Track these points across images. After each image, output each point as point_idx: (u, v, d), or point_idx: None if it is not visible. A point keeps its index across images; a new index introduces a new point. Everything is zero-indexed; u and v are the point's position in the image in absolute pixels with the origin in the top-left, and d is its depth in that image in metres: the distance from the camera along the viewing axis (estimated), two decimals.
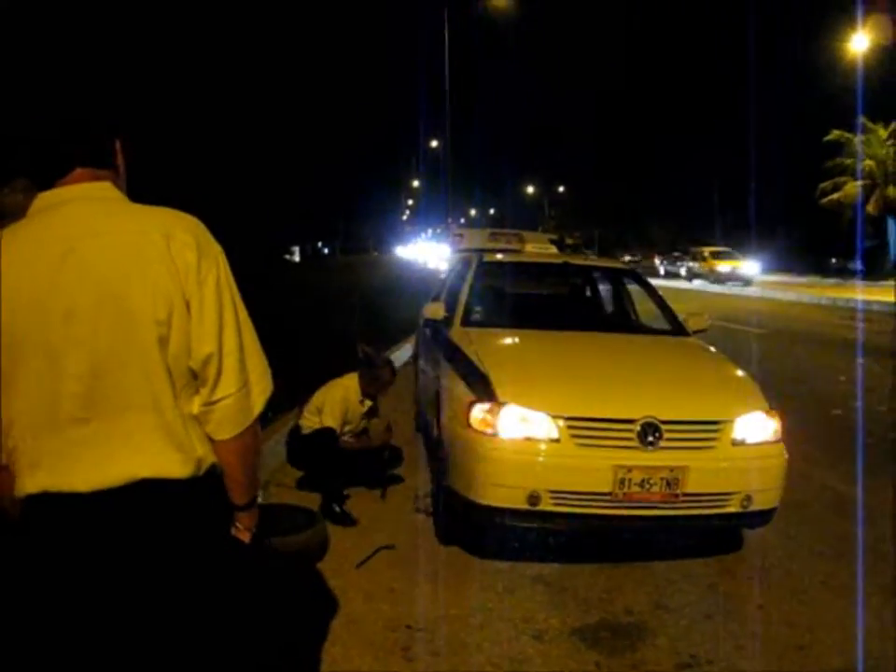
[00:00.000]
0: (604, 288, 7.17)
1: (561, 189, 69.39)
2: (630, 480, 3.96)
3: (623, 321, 6.38)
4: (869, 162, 36.37)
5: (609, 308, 6.85)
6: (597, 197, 55.89)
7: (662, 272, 41.21)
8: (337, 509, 4.93)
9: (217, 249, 1.75)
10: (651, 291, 6.44)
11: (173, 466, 1.67)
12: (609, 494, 3.98)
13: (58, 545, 1.66)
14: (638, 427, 4.04)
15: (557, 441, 4.05)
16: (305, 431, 5.28)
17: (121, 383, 1.64)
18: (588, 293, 6.97)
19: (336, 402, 5.26)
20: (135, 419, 1.65)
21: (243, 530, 1.85)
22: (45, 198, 1.72)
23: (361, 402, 5.40)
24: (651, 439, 4.02)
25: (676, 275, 38.67)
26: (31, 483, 1.66)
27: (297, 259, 62.18)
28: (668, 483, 3.99)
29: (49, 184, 1.72)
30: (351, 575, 4.16)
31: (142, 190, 1.85)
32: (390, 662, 3.37)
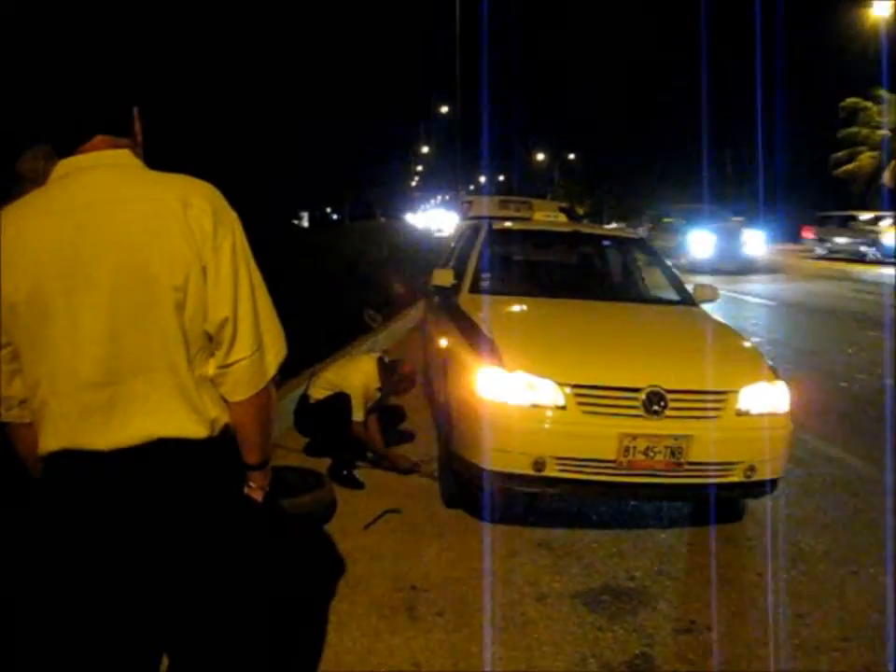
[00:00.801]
0: (614, 258, 7.15)
1: (571, 156, 68.76)
2: (634, 448, 4.00)
3: (631, 290, 6.39)
4: (882, 132, 35.82)
5: (618, 277, 6.84)
6: (608, 166, 55.46)
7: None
8: (344, 472, 4.99)
9: (232, 216, 1.77)
10: (660, 261, 6.44)
11: (188, 426, 1.71)
12: (614, 461, 4.02)
13: (77, 501, 1.70)
14: (644, 396, 4.06)
15: (563, 408, 4.08)
16: (313, 401, 5.30)
17: (139, 346, 1.68)
18: (597, 262, 6.96)
19: (357, 390, 5.18)
20: (152, 381, 1.69)
21: (255, 489, 1.90)
22: (65, 165, 1.74)
23: (378, 390, 5.37)
24: (656, 408, 4.06)
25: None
26: (53, 440, 1.71)
27: (305, 224, 62.03)
28: (672, 452, 4.03)
29: (69, 151, 1.74)
30: (358, 537, 4.23)
31: (157, 158, 1.86)
32: (395, 620, 3.45)
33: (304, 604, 3.52)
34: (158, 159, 1.84)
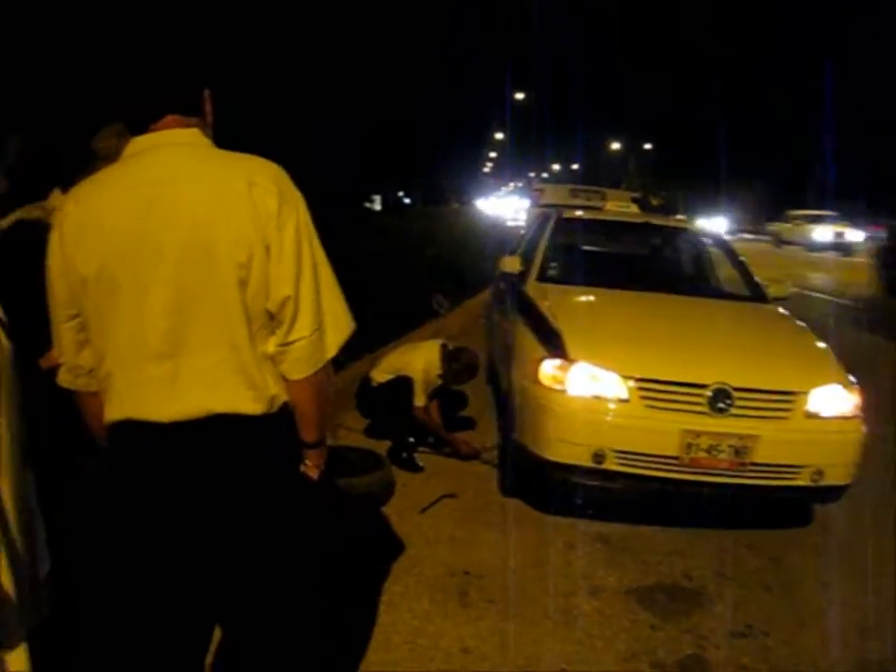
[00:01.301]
0: (685, 251, 7.01)
1: (648, 146, 67.52)
2: (697, 445, 3.93)
3: (701, 284, 6.25)
4: None
5: (688, 271, 6.71)
6: (686, 156, 54.24)
7: (749, 236, 39.70)
8: (404, 455, 5.02)
9: (297, 195, 1.79)
10: (733, 256, 6.29)
11: (246, 402, 1.74)
12: (676, 458, 3.95)
13: (138, 470, 1.76)
14: (709, 393, 3.98)
15: (626, 401, 4.03)
16: (375, 384, 5.33)
17: (202, 321, 1.71)
18: (667, 254, 6.84)
19: (418, 375, 5.19)
20: (214, 356, 1.72)
21: (311, 467, 1.92)
22: (137, 143, 1.78)
23: (439, 377, 5.37)
24: (721, 405, 3.97)
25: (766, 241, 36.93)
26: (117, 410, 1.75)
27: (378, 207, 62.42)
28: (737, 452, 3.94)
29: (142, 129, 1.78)
30: (414, 520, 4.26)
31: (227, 138, 1.89)
32: (447, 605, 3.46)
33: (357, 582, 3.56)
34: (231, 139, 1.86)
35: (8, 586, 1.73)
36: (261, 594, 1.80)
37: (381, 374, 5.31)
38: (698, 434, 3.92)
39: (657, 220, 7.27)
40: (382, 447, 5.00)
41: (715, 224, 36.00)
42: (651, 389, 4.04)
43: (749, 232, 41.53)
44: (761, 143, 45.88)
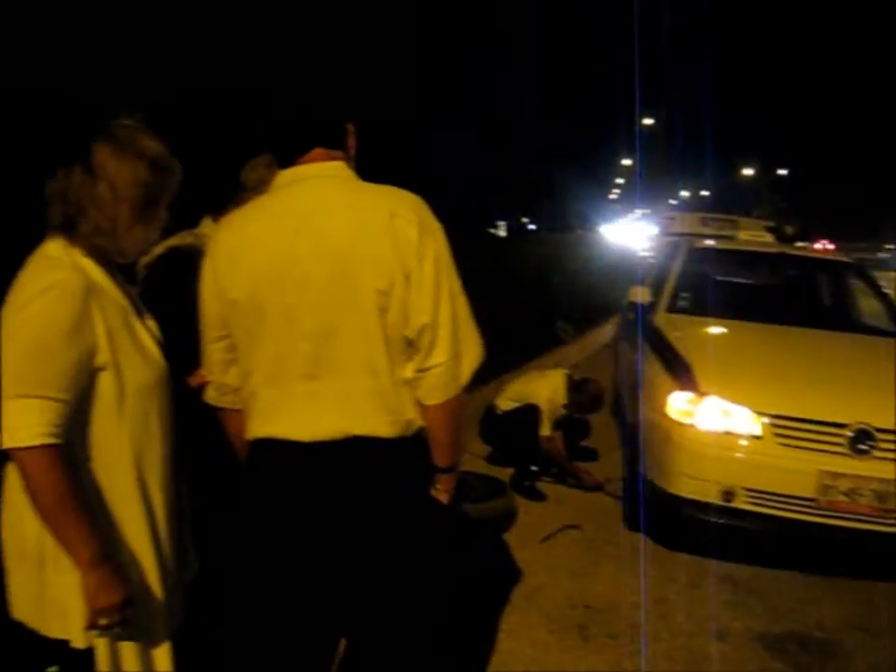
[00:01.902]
0: (824, 283, 6.72)
1: (782, 172, 65.12)
2: (836, 488, 3.75)
3: (841, 318, 5.97)
4: None
5: (828, 303, 6.43)
6: (825, 184, 52.04)
7: None
8: (526, 483, 5.01)
9: (437, 226, 1.84)
10: (876, 288, 5.99)
11: (382, 426, 1.79)
12: (812, 500, 3.79)
13: (277, 487, 1.83)
14: (850, 433, 3.80)
15: (759, 438, 3.90)
16: (500, 412, 5.35)
17: (344, 346, 1.77)
18: (805, 286, 6.57)
19: (545, 405, 5.17)
20: (353, 380, 1.78)
21: (442, 491, 1.94)
22: (285, 175, 1.87)
23: (564, 407, 5.34)
24: (862, 447, 3.79)
25: None
26: (260, 427, 1.84)
27: (502, 233, 62.68)
28: (879, 497, 3.74)
29: (290, 161, 1.87)
30: (535, 549, 4.24)
31: (366, 170, 1.96)
32: (566, 637, 3.42)
33: (476, 608, 3.56)
34: (367, 171, 1.93)
35: (156, 587, 1.83)
36: (389, 611, 1.84)
37: (506, 402, 5.32)
38: (837, 476, 3.75)
39: (794, 250, 7.00)
40: (504, 474, 5.01)
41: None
42: (787, 427, 3.90)
43: None
44: None
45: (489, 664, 3.17)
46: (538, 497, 4.95)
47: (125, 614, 1.69)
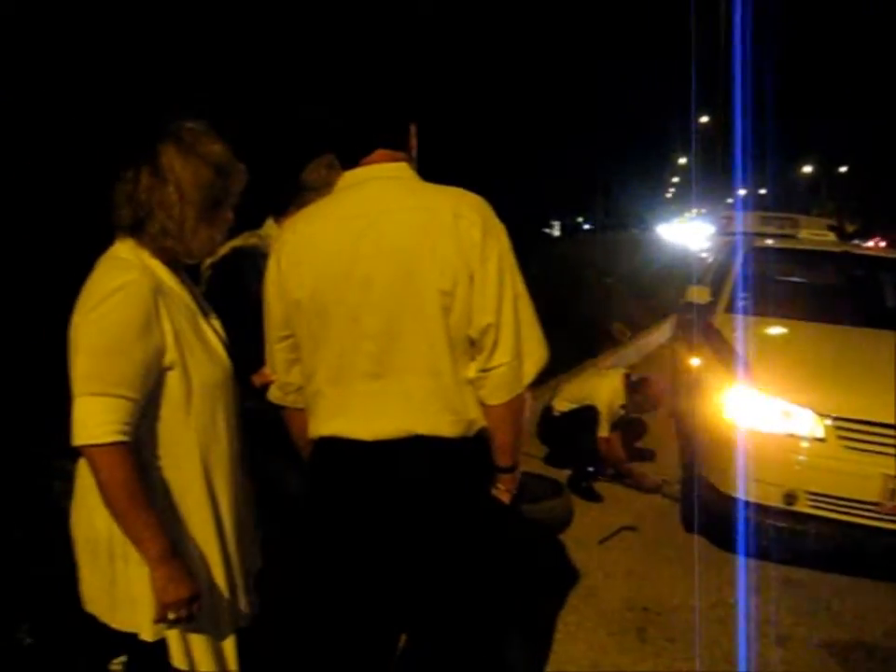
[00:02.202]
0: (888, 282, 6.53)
1: (843, 169, 63.33)
2: None
3: None
4: None
5: (892, 303, 6.25)
6: (887, 181, 50.39)
7: None
8: (584, 484, 4.99)
9: (500, 227, 1.85)
10: None
11: (444, 425, 1.81)
12: (876, 504, 3.71)
13: (340, 484, 1.87)
14: None
15: (822, 440, 3.83)
16: (557, 413, 5.34)
17: (408, 345, 1.79)
18: (869, 286, 6.41)
19: (603, 406, 5.15)
20: (417, 380, 1.80)
21: (503, 491, 1.96)
22: (348, 177, 1.90)
23: (622, 407, 5.31)
24: None
25: None
26: (325, 426, 1.87)
27: (556, 233, 62.27)
28: None
29: (353, 162, 1.90)
30: (593, 550, 4.22)
31: (428, 170, 1.98)
32: (624, 640, 3.40)
33: (535, 608, 3.56)
34: (429, 171, 1.95)
35: (222, 582, 1.88)
36: (447, 609, 1.86)
37: (563, 403, 5.31)
38: None
39: (858, 249, 6.84)
40: (560, 475, 5.00)
41: None
42: (851, 429, 3.82)
43: None
44: None
45: (546, 664, 3.17)
46: (595, 497, 4.93)
47: (192, 608, 1.73)
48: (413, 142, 1.97)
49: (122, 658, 2.38)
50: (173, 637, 1.78)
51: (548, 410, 5.39)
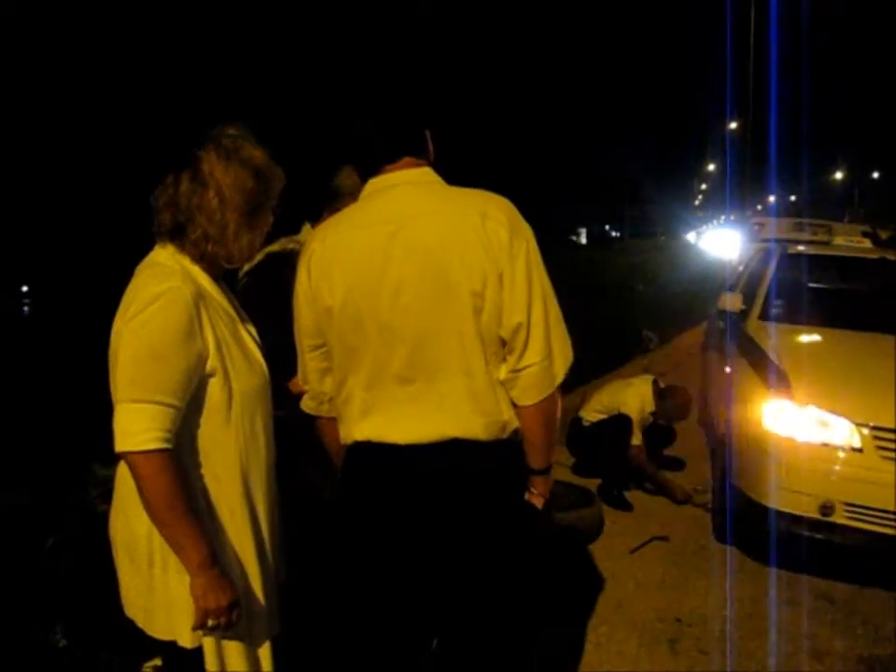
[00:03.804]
0: None
1: (875, 175, 62.48)
2: None
3: None
4: None
5: None
6: None
7: None
8: (614, 492, 4.94)
9: (526, 227, 1.84)
10: None
11: (478, 428, 1.79)
12: None
13: (375, 490, 1.85)
14: None
15: (859, 450, 3.75)
16: (587, 423, 5.28)
17: (440, 348, 1.78)
18: None
19: (635, 414, 5.11)
20: (450, 382, 1.79)
21: (537, 495, 1.94)
22: (374, 183, 1.90)
23: (651, 414, 5.25)
24: None
25: None
26: (358, 431, 1.86)
27: (583, 241, 62.20)
28: None
29: (377, 171, 1.89)
30: (623, 560, 4.17)
31: (454, 177, 1.97)
32: (655, 651, 3.35)
33: (565, 617, 3.52)
34: (456, 178, 1.94)
35: (259, 590, 1.86)
36: (479, 614, 1.84)
37: (593, 413, 5.25)
38: None
39: (893, 255, 6.71)
40: (588, 484, 4.95)
41: None
42: (889, 439, 3.74)
43: None
44: None
45: None
46: (626, 507, 4.87)
47: (232, 616, 1.72)
48: (431, 146, 1.97)
49: (155, 661, 2.38)
50: (208, 643, 1.77)
51: (577, 420, 5.34)
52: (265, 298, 2.24)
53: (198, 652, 1.77)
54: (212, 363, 1.75)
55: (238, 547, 1.82)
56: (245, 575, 1.83)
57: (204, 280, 1.82)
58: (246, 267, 2.53)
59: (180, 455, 1.71)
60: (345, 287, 1.81)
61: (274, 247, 2.66)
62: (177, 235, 1.80)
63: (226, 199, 1.79)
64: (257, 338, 1.97)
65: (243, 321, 1.94)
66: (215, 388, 1.77)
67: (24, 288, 18.66)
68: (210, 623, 1.69)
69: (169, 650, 1.80)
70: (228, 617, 1.71)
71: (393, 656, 1.90)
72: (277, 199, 1.93)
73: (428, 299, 1.77)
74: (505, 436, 1.83)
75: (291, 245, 2.69)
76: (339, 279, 1.81)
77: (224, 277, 1.97)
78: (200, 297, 1.75)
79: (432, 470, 1.79)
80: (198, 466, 1.77)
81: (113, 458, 1.72)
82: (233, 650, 1.81)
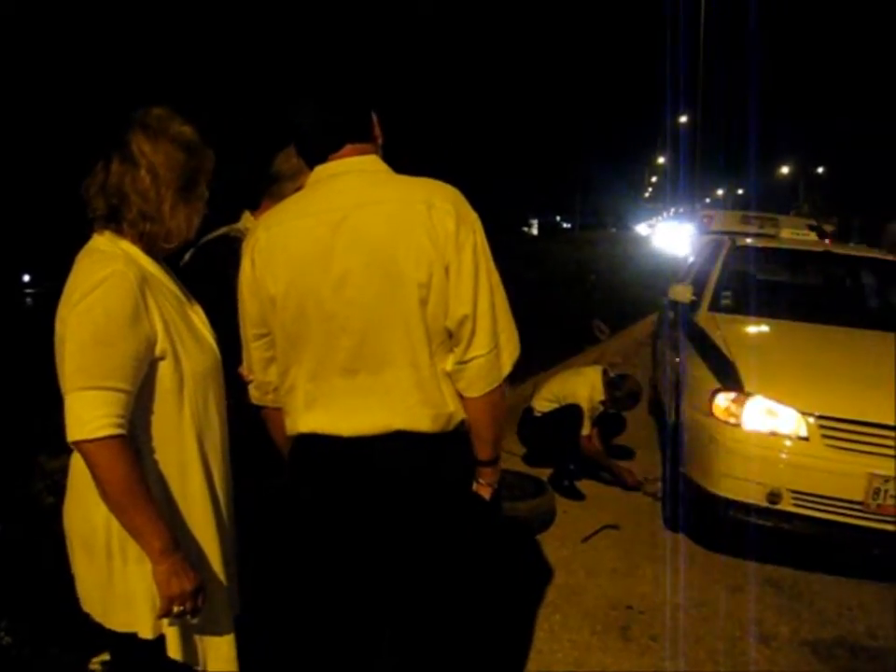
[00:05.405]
0: (869, 282, 6.57)
1: (820, 170, 63.83)
2: (886, 492, 3.66)
3: (887, 318, 5.83)
4: None
5: (874, 303, 6.28)
6: (863, 178, 50.77)
7: None
8: (566, 482, 4.96)
9: (473, 217, 1.82)
10: None
11: (424, 421, 1.78)
12: (861, 503, 3.71)
13: (319, 481, 1.84)
14: None
15: (805, 439, 3.82)
16: (538, 413, 5.31)
17: (386, 340, 1.76)
18: (850, 285, 6.44)
19: (584, 402, 5.12)
20: (395, 374, 1.77)
21: (484, 485, 1.93)
22: (319, 171, 1.86)
23: (602, 403, 5.27)
24: None
25: None
26: (303, 423, 1.84)
27: (535, 231, 62.48)
28: None
29: (322, 159, 1.85)
30: (575, 549, 4.19)
31: (400, 161, 1.94)
32: (607, 638, 3.37)
33: (516, 607, 3.53)
34: (400, 162, 1.91)
35: (220, 574, 1.83)
36: (424, 604, 1.86)
37: (543, 403, 5.27)
38: (887, 479, 3.66)
39: (839, 249, 6.86)
40: (539, 474, 4.96)
41: None
42: (834, 428, 3.82)
43: None
44: None
45: (527, 663, 3.14)
46: (577, 496, 4.90)
47: (197, 601, 1.69)
48: (377, 131, 1.93)
49: (102, 657, 2.32)
50: (170, 631, 1.73)
51: (528, 410, 5.35)
52: (207, 281, 2.18)
53: (153, 645, 1.73)
54: (161, 345, 1.71)
55: (199, 531, 1.79)
56: (204, 558, 1.79)
57: (147, 262, 1.78)
58: (187, 255, 2.47)
59: (135, 440, 1.67)
60: (289, 276, 1.78)
61: (214, 236, 2.59)
62: (113, 219, 1.76)
63: (159, 176, 1.75)
64: (204, 318, 1.93)
65: (189, 301, 1.91)
66: (166, 371, 1.72)
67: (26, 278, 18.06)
68: (175, 609, 1.65)
69: (122, 643, 1.75)
70: (193, 602, 1.67)
71: (346, 642, 1.91)
72: (210, 173, 1.89)
73: (374, 290, 1.74)
74: (451, 428, 1.81)
75: (232, 234, 2.62)
76: (283, 269, 1.79)
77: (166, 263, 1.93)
78: (144, 279, 1.71)
79: (378, 463, 1.78)
80: (152, 451, 1.73)
81: (60, 449, 1.67)
82: (195, 633, 1.78)
